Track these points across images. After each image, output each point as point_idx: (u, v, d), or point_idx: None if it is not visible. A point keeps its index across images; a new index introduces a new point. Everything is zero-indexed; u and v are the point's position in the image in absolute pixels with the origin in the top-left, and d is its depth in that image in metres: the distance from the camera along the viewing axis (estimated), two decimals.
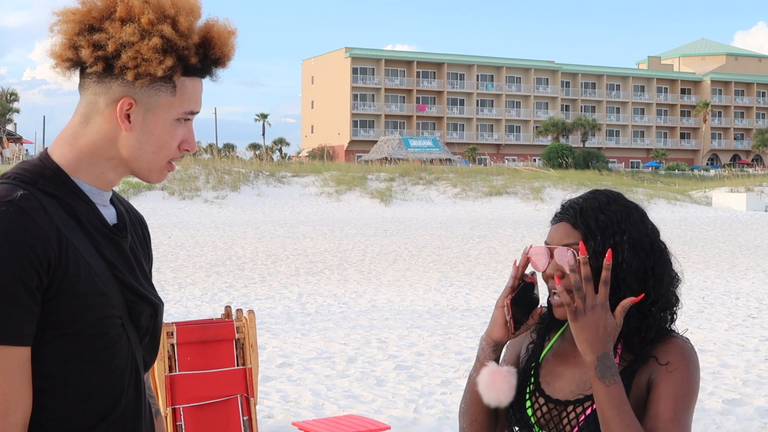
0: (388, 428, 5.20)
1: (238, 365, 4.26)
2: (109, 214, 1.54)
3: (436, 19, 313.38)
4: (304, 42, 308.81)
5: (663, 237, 1.79)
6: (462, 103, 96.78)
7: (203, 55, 1.48)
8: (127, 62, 1.43)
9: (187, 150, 1.52)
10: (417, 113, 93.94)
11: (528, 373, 1.80)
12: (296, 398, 6.75)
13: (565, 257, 1.65)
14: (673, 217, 35.09)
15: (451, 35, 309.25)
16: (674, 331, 1.74)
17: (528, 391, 1.77)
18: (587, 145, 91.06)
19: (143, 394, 1.54)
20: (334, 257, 17.95)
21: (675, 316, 1.75)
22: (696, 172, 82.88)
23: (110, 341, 1.46)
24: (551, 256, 1.69)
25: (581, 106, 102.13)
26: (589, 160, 69.33)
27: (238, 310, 4.40)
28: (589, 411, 1.68)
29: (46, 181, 1.45)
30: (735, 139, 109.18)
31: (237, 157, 47.81)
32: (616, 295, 1.67)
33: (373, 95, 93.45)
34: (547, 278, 1.71)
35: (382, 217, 32.22)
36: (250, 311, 4.39)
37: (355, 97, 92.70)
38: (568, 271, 1.65)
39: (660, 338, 1.71)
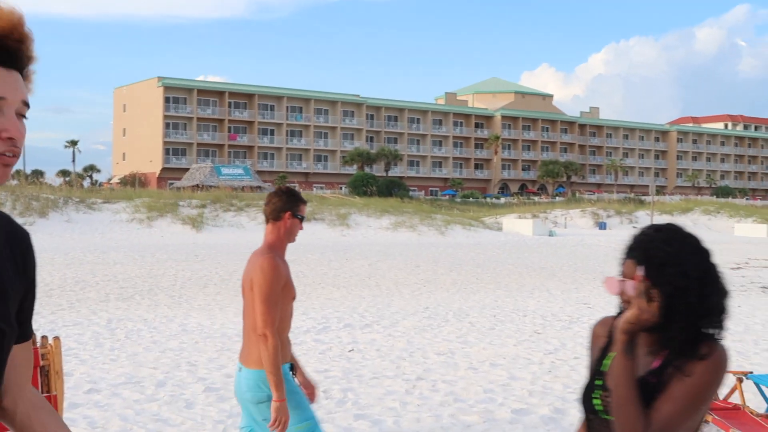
0: None
1: (42, 393, 4.05)
2: None
3: (248, 52, 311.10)
4: (115, 70, 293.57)
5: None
6: (272, 132, 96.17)
7: None
8: None
9: (10, 138, 1.43)
10: (228, 142, 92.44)
11: (598, 372, 2.20)
12: (104, 424, 6.53)
13: (629, 288, 2.08)
14: (468, 241, 36.28)
15: (262, 68, 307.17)
16: (714, 338, 2.05)
17: (596, 386, 2.19)
18: (390, 174, 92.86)
19: None
20: (145, 282, 17.51)
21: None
22: (488, 200, 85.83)
23: None
24: (622, 284, 2.10)
25: (384, 138, 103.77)
26: (391, 188, 70.72)
27: (43, 337, 4.20)
28: None
29: None
30: (523, 169, 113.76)
31: (46, 183, 45.61)
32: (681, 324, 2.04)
33: (186, 124, 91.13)
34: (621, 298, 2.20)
35: (194, 243, 31.49)
36: (56, 338, 4.24)
37: (167, 125, 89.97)
38: (633, 296, 2.09)
39: (699, 342, 2.03)
